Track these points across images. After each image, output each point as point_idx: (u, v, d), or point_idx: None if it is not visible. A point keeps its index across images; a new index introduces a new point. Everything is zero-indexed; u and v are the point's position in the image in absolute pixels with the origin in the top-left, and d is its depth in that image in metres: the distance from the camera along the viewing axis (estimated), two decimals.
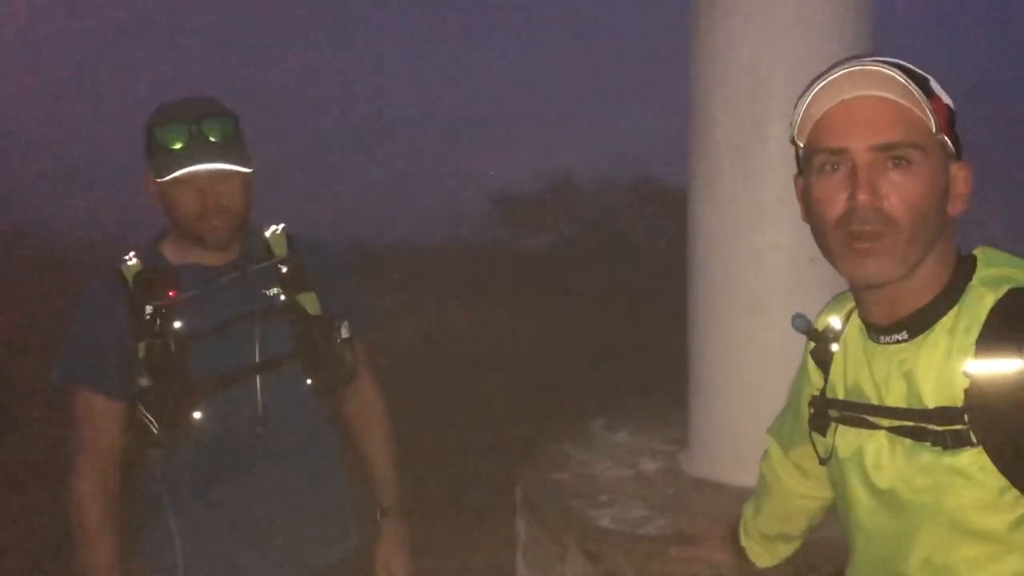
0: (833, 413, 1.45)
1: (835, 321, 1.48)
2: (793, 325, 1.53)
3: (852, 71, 1.27)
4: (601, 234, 11.55)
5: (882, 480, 1.36)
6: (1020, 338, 1.21)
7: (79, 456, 1.97)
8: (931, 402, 1.29)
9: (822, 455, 1.50)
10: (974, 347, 1.25)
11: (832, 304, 1.53)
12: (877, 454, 1.37)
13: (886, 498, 1.36)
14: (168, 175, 1.90)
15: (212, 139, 1.91)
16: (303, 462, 2.07)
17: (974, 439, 1.25)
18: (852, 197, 1.27)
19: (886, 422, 1.35)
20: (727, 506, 2.23)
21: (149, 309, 1.91)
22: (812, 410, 1.51)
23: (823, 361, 1.49)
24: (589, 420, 3.12)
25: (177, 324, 1.93)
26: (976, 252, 1.36)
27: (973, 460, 1.26)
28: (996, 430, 1.23)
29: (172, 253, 2.03)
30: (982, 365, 1.23)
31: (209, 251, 2.01)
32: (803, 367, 1.59)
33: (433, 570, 3.19)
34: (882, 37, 2.46)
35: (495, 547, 3.55)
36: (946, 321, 1.30)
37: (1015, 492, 1.25)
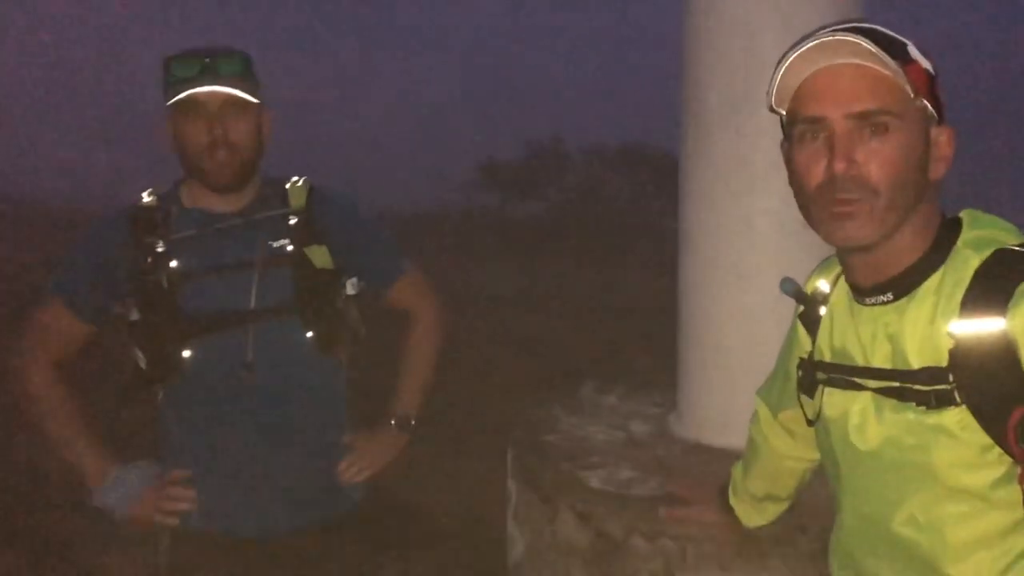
0: (820, 375, 1.48)
1: (823, 284, 1.51)
2: (782, 289, 1.55)
3: (825, 40, 1.28)
4: (589, 200, 11.56)
5: (868, 440, 1.39)
6: (1003, 298, 1.23)
7: (31, 345, 2.05)
8: (916, 362, 1.31)
9: (810, 416, 1.52)
10: (959, 308, 1.27)
11: (821, 268, 1.55)
12: (863, 415, 1.39)
13: (872, 458, 1.39)
14: (176, 96, 1.94)
15: (223, 72, 1.95)
16: (292, 413, 2.08)
17: (958, 398, 1.27)
18: (830, 166, 1.29)
19: (872, 383, 1.38)
20: (716, 468, 2.25)
21: (147, 244, 1.96)
22: (801, 372, 1.53)
23: (811, 324, 1.51)
24: (579, 383, 3.14)
25: (173, 263, 1.97)
26: (962, 214, 1.38)
27: (957, 419, 1.28)
28: (980, 389, 1.25)
29: (187, 196, 2.06)
30: (966, 325, 1.25)
31: (220, 195, 2.03)
32: (792, 330, 1.61)
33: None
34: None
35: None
36: (931, 282, 1.32)
37: (997, 450, 1.27)
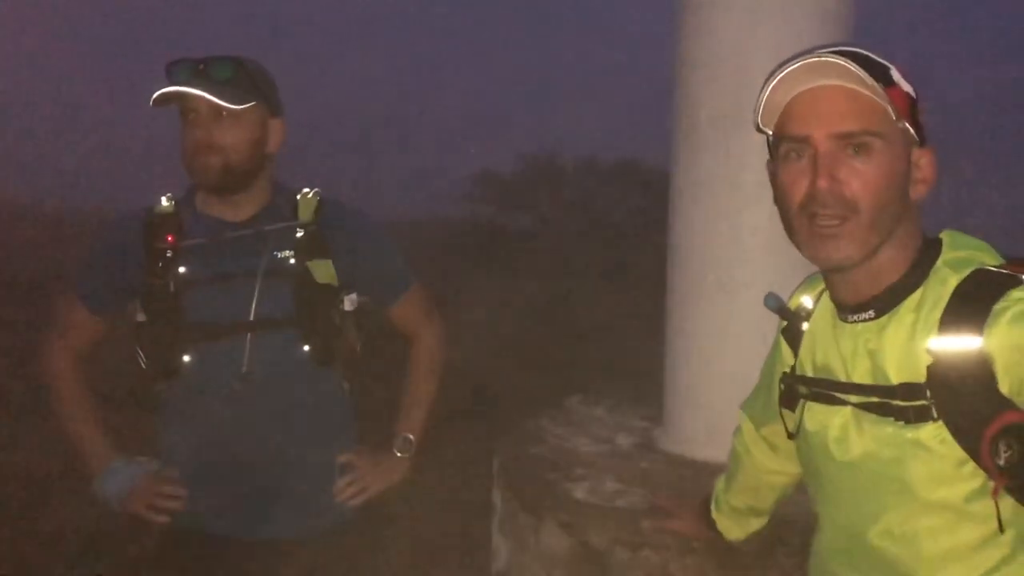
0: (802, 390, 1.50)
1: (807, 301, 1.53)
2: (766, 304, 1.58)
3: (811, 62, 1.30)
4: (582, 215, 11.59)
5: (847, 453, 1.41)
6: (980, 318, 1.25)
7: (53, 337, 2.17)
8: (896, 378, 1.34)
9: (790, 429, 1.55)
10: (937, 325, 1.29)
11: (805, 284, 1.58)
12: (843, 428, 1.42)
13: (851, 470, 1.41)
14: (154, 96, 1.97)
15: (214, 77, 1.98)
16: (286, 424, 2.09)
17: (935, 414, 1.30)
18: (812, 183, 1.31)
19: (853, 398, 1.40)
20: (699, 481, 2.28)
21: (157, 249, 2.00)
22: (783, 386, 1.56)
23: (794, 339, 1.54)
24: (567, 396, 3.17)
25: (181, 269, 2.01)
26: (942, 235, 1.40)
27: (934, 434, 1.31)
28: (956, 405, 1.28)
29: (201, 202, 2.09)
30: (944, 342, 1.28)
31: (229, 203, 2.06)
32: (775, 345, 1.63)
33: None
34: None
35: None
36: (911, 301, 1.35)
37: (972, 465, 1.30)
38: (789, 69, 1.32)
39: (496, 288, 7.86)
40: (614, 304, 7.24)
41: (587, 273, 8.43)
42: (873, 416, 1.37)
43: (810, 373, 1.49)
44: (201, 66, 1.98)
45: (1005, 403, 1.26)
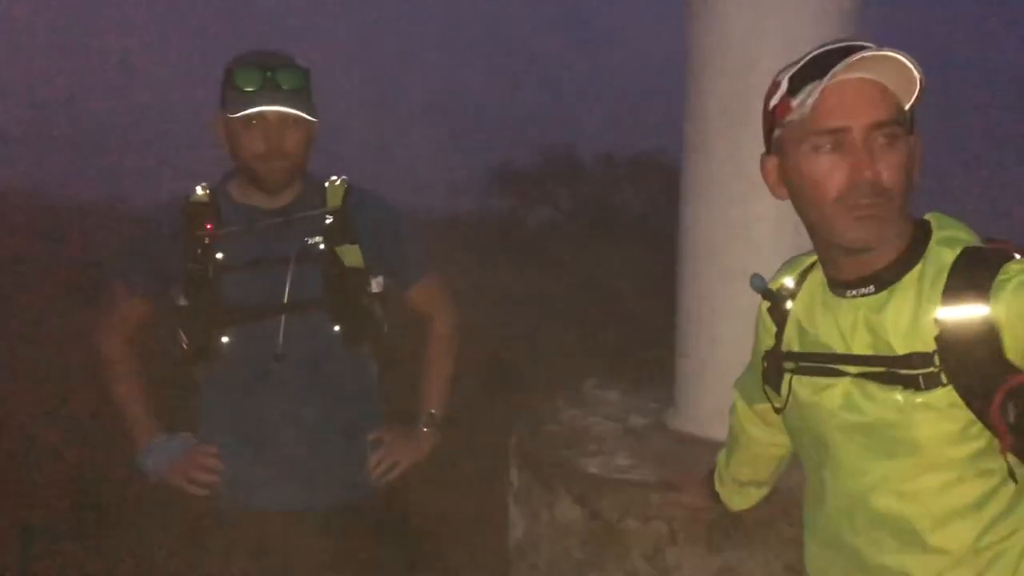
0: (788, 365, 1.60)
1: (789, 281, 1.63)
2: (751, 285, 1.68)
3: (862, 57, 1.35)
4: (600, 208, 11.67)
5: (861, 416, 1.49)
6: (984, 289, 1.36)
7: (104, 321, 2.32)
8: (901, 349, 1.43)
9: (777, 405, 1.65)
10: (941, 297, 1.39)
11: (786, 267, 1.68)
12: (847, 396, 1.50)
13: (860, 434, 1.50)
14: (240, 112, 2.06)
15: (284, 87, 2.07)
16: (319, 403, 2.21)
17: (944, 380, 1.40)
18: (856, 172, 1.38)
19: (853, 369, 1.49)
20: (706, 457, 2.37)
21: (196, 236, 2.12)
22: (766, 364, 1.66)
23: (779, 318, 1.64)
24: (582, 380, 3.28)
25: (219, 255, 2.13)
26: (928, 217, 1.51)
27: (943, 398, 1.40)
28: (966, 371, 1.38)
29: (236, 191, 2.21)
30: (951, 312, 1.38)
31: (265, 194, 2.17)
32: (759, 325, 1.73)
33: None
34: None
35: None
36: (912, 275, 1.44)
37: (979, 426, 1.40)
38: (849, 62, 1.35)
39: (516, 281, 7.96)
40: (632, 295, 7.34)
41: (606, 265, 8.52)
42: (877, 384, 1.46)
43: (797, 349, 1.59)
44: (269, 73, 2.07)
45: (1011, 367, 1.36)
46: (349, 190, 2.25)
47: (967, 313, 1.37)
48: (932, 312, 1.40)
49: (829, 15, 2.51)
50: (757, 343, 1.75)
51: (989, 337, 1.36)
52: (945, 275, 1.40)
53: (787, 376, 1.61)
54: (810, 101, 1.39)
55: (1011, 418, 1.37)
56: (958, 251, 1.42)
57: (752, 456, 1.93)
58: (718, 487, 2.06)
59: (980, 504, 1.45)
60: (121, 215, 7.45)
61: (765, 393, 1.69)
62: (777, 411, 1.67)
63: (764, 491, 2.02)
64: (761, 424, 1.84)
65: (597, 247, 9.30)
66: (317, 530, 2.25)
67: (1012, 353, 1.36)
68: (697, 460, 2.49)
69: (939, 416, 1.41)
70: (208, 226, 2.13)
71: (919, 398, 1.42)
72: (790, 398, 1.61)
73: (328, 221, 2.19)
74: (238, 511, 2.23)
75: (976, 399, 1.39)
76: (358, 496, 2.31)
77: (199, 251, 2.12)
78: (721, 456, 2.04)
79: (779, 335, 1.63)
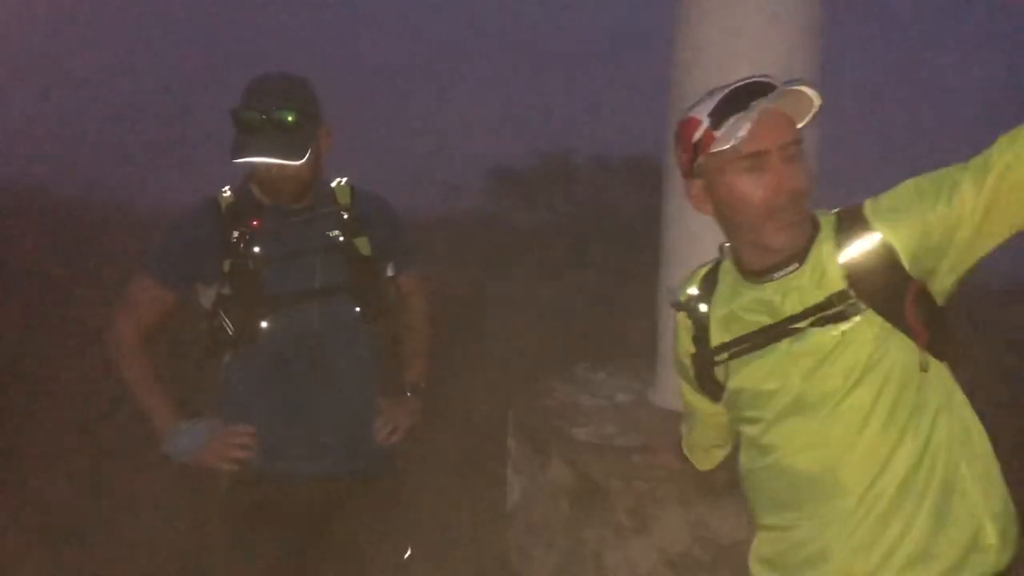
0: (722, 356, 1.85)
1: (693, 290, 1.91)
2: (669, 303, 1.96)
3: (788, 90, 1.67)
4: (595, 212, 11.80)
5: (801, 364, 1.73)
6: (863, 221, 1.67)
7: (125, 310, 2.43)
8: (822, 295, 1.71)
9: (720, 396, 1.91)
10: (836, 248, 1.69)
11: (687, 281, 1.95)
12: (779, 363, 1.75)
13: (816, 380, 1.72)
14: (236, 159, 2.31)
15: (280, 128, 2.28)
16: (348, 375, 2.49)
17: (862, 306, 1.68)
18: (779, 186, 1.67)
19: (790, 327, 1.74)
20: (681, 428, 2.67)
21: (235, 234, 2.36)
22: (694, 366, 1.93)
23: (699, 323, 1.89)
24: (574, 363, 3.57)
25: (257, 249, 2.38)
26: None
27: (862, 322, 1.68)
28: (876, 291, 1.67)
29: (259, 192, 2.46)
30: (849, 253, 1.68)
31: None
32: (676, 333, 2.00)
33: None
34: None
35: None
36: (816, 244, 1.73)
37: (899, 334, 1.67)
38: (764, 102, 1.65)
39: (514, 281, 8.13)
40: (621, 296, 7.51)
41: (600, 268, 8.66)
42: (806, 333, 1.72)
43: (728, 339, 1.84)
44: (264, 116, 2.27)
45: (909, 277, 1.65)
46: (354, 189, 2.55)
47: (865, 245, 1.66)
48: (835, 260, 1.69)
49: (792, 35, 2.80)
50: (678, 348, 2.00)
51: (888, 256, 1.64)
52: (832, 232, 1.71)
53: (722, 366, 1.87)
54: (741, 133, 1.64)
55: (923, 317, 1.66)
56: (832, 215, 1.75)
57: (706, 426, 2.16)
58: (686, 452, 2.31)
59: (890, 454, 1.68)
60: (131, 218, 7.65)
61: (701, 392, 1.97)
62: (716, 400, 1.93)
63: (727, 449, 2.25)
64: (708, 401, 2.06)
65: (593, 250, 9.45)
66: (335, 492, 2.50)
67: (911, 242, 1.62)
68: (674, 430, 2.77)
69: (855, 346, 1.68)
70: (255, 223, 2.38)
71: (841, 327, 1.69)
72: (729, 385, 1.86)
73: (344, 216, 2.49)
74: (268, 476, 2.46)
75: (891, 312, 1.67)
76: (366, 462, 2.56)
77: (241, 246, 2.37)
78: (683, 428, 2.29)
79: (702, 337, 1.89)
